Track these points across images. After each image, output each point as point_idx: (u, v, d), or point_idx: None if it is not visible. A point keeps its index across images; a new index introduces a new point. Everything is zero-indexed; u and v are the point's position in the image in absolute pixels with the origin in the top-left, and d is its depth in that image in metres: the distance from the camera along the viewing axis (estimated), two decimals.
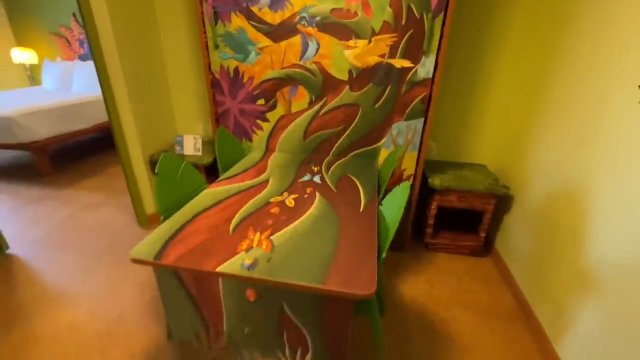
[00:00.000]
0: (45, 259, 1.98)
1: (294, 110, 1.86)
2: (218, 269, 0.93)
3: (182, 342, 1.23)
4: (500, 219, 2.04)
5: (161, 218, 1.24)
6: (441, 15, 1.53)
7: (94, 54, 1.82)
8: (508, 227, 1.95)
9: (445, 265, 2.02)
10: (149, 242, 1.04)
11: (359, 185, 1.53)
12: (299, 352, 1.10)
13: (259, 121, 1.94)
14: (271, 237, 1.10)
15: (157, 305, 1.65)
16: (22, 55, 4.29)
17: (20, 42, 4.52)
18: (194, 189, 1.45)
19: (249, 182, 1.52)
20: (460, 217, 2.29)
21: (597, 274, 1.19)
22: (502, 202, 2.02)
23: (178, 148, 2.18)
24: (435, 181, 1.90)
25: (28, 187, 2.91)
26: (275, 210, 1.28)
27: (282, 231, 1.13)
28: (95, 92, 3.83)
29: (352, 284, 0.89)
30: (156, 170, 1.24)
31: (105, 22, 1.79)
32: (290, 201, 1.35)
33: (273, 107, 1.88)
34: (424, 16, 1.54)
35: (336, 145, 1.90)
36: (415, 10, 1.54)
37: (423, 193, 2.15)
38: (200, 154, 2.18)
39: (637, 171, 1.06)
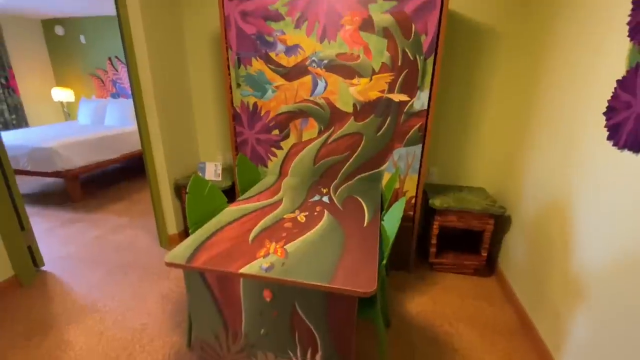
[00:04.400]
0: (76, 275, 2.16)
1: (304, 139, 2.09)
2: (240, 271, 1.09)
3: (201, 349, 1.35)
4: (501, 239, 2.14)
5: (190, 230, 1.42)
6: (432, 57, 1.77)
7: (134, 91, 2.12)
8: (508, 246, 2.05)
9: (450, 284, 2.11)
10: (181, 248, 1.22)
11: (363, 204, 1.70)
12: (309, 352, 1.21)
13: (273, 149, 2.16)
14: (285, 246, 1.26)
15: (177, 317, 1.79)
16: (62, 94, 4.78)
17: (60, 82, 5.05)
18: (217, 207, 1.64)
19: (265, 202, 1.71)
20: (463, 238, 2.40)
21: (586, 280, 1.29)
22: (501, 222, 2.14)
23: (200, 174, 2.41)
24: (436, 202, 2.04)
25: (61, 211, 3.17)
26: (288, 224, 1.45)
27: (294, 241, 1.30)
28: (124, 126, 4.21)
29: (354, 282, 1.04)
30: (187, 190, 1.44)
31: (144, 64, 2.11)
32: (301, 217, 1.53)
33: (286, 137, 2.11)
34: (417, 58, 1.78)
35: (343, 170, 2.09)
36: (409, 53, 1.78)
37: (426, 215, 2.28)
38: (220, 179, 2.40)
39: (604, 183, 1.20)
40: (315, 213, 1.58)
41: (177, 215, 2.51)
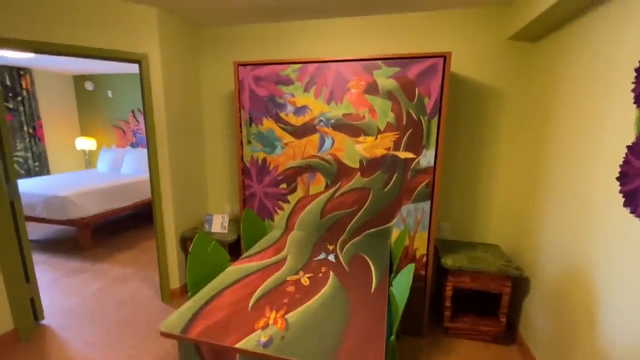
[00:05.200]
0: (75, 331, 2.08)
1: (311, 192, 2.09)
2: (236, 345, 1.03)
3: None
4: (521, 302, 1.99)
5: (189, 293, 1.37)
6: (436, 117, 1.81)
7: (149, 141, 2.21)
8: (528, 310, 1.90)
9: (467, 354, 1.92)
10: (176, 317, 1.16)
11: (371, 264, 1.63)
12: None
13: (280, 202, 2.16)
14: (286, 316, 1.19)
15: None
16: (85, 143, 5.05)
17: (85, 132, 5.37)
18: (219, 266, 1.60)
19: (268, 261, 1.66)
20: (479, 299, 2.24)
21: (613, 356, 1.16)
22: (519, 283, 2.00)
23: (207, 226, 2.41)
24: (448, 261, 1.95)
25: (68, 260, 3.16)
26: (291, 289, 1.39)
27: (296, 310, 1.23)
28: (140, 174, 4.36)
29: None
30: (190, 250, 1.42)
31: (161, 119, 2.22)
32: (305, 280, 1.47)
33: (294, 190, 2.12)
34: (422, 118, 1.83)
35: (350, 225, 2.06)
36: (413, 114, 1.83)
37: (438, 273, 2.17)
38: (226, 231, 2.39)
39: (626, 250, 1.12)
40: (320, 274, 1.52)
41: (180, 269, 2.46)
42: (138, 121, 4.94)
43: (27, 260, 2.04)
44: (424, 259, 1.99)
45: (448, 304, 2.00)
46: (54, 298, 2.47)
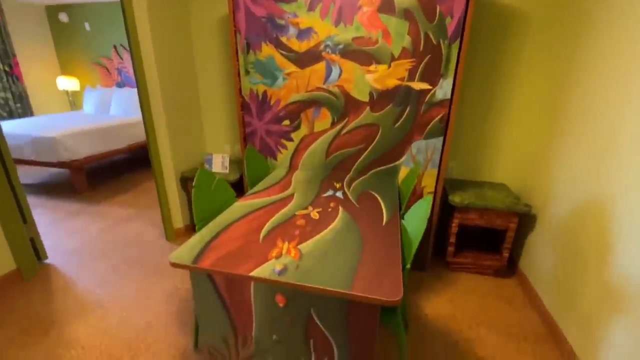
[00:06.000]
0: (80, 269, 2.10)
1: (316, 130, 1.97)
2: (251, 273, 1.00)
3: (209, 353, 1.27)
4: (524, 238, 2.02)
5: (197, 227, 1.32)
6: (457, 41, 1.62)
7: (139, 81, 2.01)
8: (531, 246, 1.93)
9: (468, 285, 2.00)
10: (186, 248, 1.12)
11: (380, 200, 1.58)
12: None
13: (283, 140, 2.05)
14: (299, 246, 1.16)
15: (183, 315, 1.71)
16: (67, 83, 4.70)
17: (65, 71, 4.97)
18: (224, 202, 1.54)
19: (274, 197, 1.60)
20: (482, 236, 2.27)
21: (627, 291, 1.17)
22: (525, 220, 2.01)
23: (207, 166, 2.31)
24: (456, 198, 1.92)
25: (66, 202, 3.11)
26: (301, 222, 1.35)
27: (308, 241, 1.19)
28: (130, 115, 4.13)
29: (378, 289, 0.93)
30: (194, 183, 1.34)
31: (149, 52, 2.00)
32: (315, 214, 1.42)
33: (297, 128, 1.99)
34: (441, 42, 1.64)
35: (357, 163, 1.97)
36: (432, 38, 1.64)
37: (444, 211, 2.16)
38: (227, 171, 2.30)
39: None
40: (330, 209, 1.47)
41: (183, 209, 2.42)
42: (122, 58, 4.55)
43: (21, 202, 1.97)
44: (432, 197, 1.95)
45: (452, 240, 2.02)
46: (55, 239, 2.46)
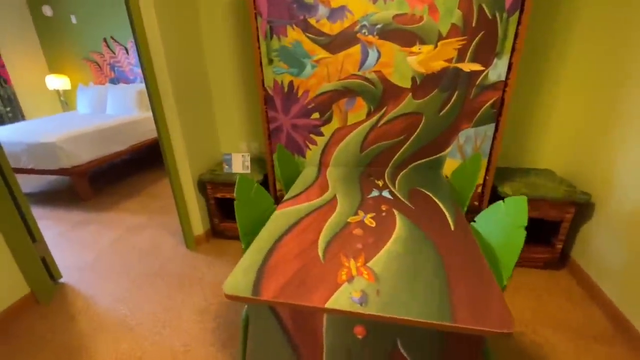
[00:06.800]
0: (98, 286, 1.93)
1: (350, 122, 1.78)
2: (327, 305, 0.84)
3: None
4: (577, 228, 1.88)
5: (242, 246, 1.15)
6: (516, 14, 1.43)
7: (147, 76, 1.79)
8: (588, 237, 1.79)
9: (519, 279, 1.87)
10: (239, 275, 0.95)
11: (435, 199, 1.42)
12: None
13: (312, 136, 1.86)
14: (368, 264, 1.00)
15: (222, 335, 1.56)
16: (57, 82, 4.40)
17: (54, 69, 4.65)
18: (264, 210, 1.37)
19: (316, 201, 1.43)
20: (530, 227, 2.13)
21: None
22: (580, 210, 1.86)
23: (226, 166, 2.12)
24: (506, 189, 1.76)
25: (71, 212, 2.91)
26: (358, 231, 1.18)
27: (376, 257, 1.03)
28: (128, 113, 3.88)
29: (484, 319, 0.78)
30: (235, 194, 1.16)
31: (156, 42, 1.77)
32: (370, 221, 1.25)
33: (328, 121, 1.80)
34: (497, 16, 1.44)
35: (396, 157, 1.80)
36: (486, 10, 1.44)
37: (490, 203, 2.00)
38: (249, 171, 2.12)
39: None
40: (384, 214, 1.31)
41: (202, 214, 2.24)
42: (114, 52, 4.25)
43: (27, 218, 1.77)
44: (479, 189, 1.80)
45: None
46: (66, 254, 2.28)
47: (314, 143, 1.88)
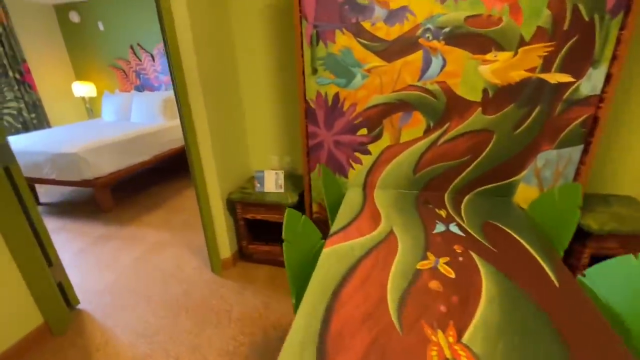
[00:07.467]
0: (118, 314, 1.76)
1: (403, 139, 1.55)
2: None
3: None
4: None
5: (293, 300, 0.94)
6: (620, 16, 1.16)
7: (177, 83, 1.62)
8: None
9: None
10: (293, 349, 0.73)
11: (520, 239, 1.16)
12: None
13: (357, 154, 1.64)
14: (463, 340, 0.75)
15: None
16: (83, 89, 4.38)
17: (80, 76, 4.65)
18: (312, 247, 1.15)
19: (370, 236, 1.20)
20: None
21: None
22: None
23: (258, 185, 1.93)
24: (590, 223, 1.48)
25: (91, 224, 2.79)
26: (434, 285, 0.94)
27: (471, 327, 0.79)
28: (153, 122, 3.78)
29: None
30: (284, 235, 0.95)
31: (188, 48, 1.60)
32: (446, 269, 1.01)
33: (377, 137, 1.57)
34: (596, 18, 1.18)
35: (457, 180, 1.55)
36: (582, 11, 1.19)
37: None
38: (282, 190, 1.91)
39: None
40: (461, 258, 1.06)
41: (230, 235, 2.05)
42: (140, 59, 4.19)
43: (43, 239, 1.62)
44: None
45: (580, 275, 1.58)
46: (85, 274, 2.13)
47: (359, 162, 1.65)
